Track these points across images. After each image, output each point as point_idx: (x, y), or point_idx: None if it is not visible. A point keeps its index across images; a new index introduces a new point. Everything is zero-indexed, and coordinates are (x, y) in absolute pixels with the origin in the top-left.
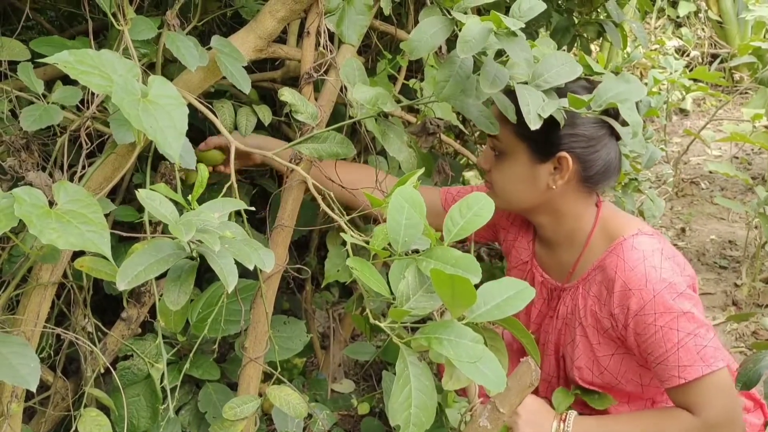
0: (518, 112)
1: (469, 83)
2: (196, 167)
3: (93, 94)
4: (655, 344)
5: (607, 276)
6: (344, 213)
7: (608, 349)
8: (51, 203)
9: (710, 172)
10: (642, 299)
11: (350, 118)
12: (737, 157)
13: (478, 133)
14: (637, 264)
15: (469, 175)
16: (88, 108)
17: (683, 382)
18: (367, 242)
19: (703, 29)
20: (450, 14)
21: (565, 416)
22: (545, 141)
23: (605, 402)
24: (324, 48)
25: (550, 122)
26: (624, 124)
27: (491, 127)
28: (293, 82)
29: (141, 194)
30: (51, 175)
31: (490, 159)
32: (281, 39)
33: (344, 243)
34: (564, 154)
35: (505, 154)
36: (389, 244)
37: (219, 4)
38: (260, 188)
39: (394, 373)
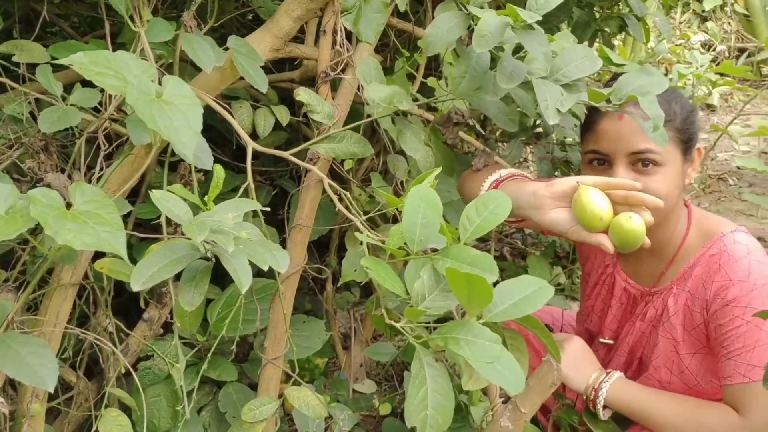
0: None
1: (486, 79)
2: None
3: (111, 96)
4: (735, 338)
5: (709, 269)
6: (361, 212)
7: (691, 347)
8: (69, 204)
9: (738, 168)
10: (741, 290)
11: (368, 117)
12: (766, 152)
13: (499, 131)
14: (742, 256)
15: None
16: (106, 110)
17: (746, 381)
18: (383, 242)
19: (729, 23)
20: (466, 9)
21: (609, 372)
22: (692, 140)
23: None
24: (341, 47)
25: (693, 120)
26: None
27: (510, 123)
28: (312, 82)
29: (155, 195)
30: (70, 176)
31: (631, 177)
32: (299, 39)
33: (362, 242)
34: (699, 146)
35: (661, 164)
36: (405, 244)
37: (236, 4)
38: (280, 189)
39: None
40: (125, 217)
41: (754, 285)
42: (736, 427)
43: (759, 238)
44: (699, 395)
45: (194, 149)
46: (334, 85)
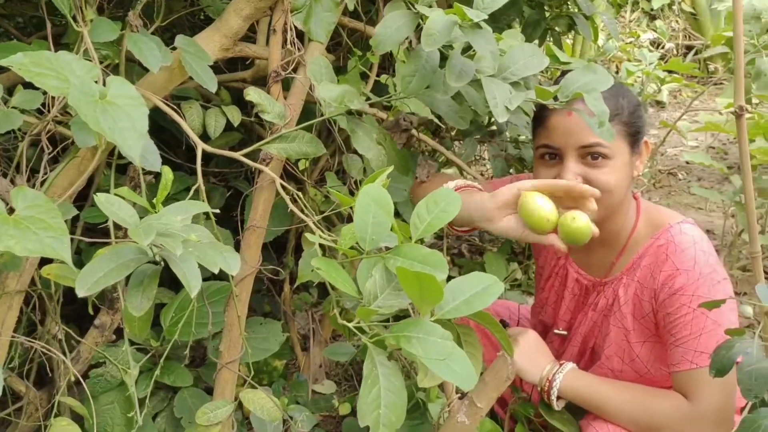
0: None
1: (435, 77)
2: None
3: (55, 97)
4: (682, 325)
5: (657, 259)
6: (315, 212)
7: (641, 336)
8: (11, 210)
9: (687, 163)
10: (687, 278)
11: (321, 116)
12: (713, 147)
13: (455, 130)
14: (687, 246)
15: (449, 172)
16: (49, 112)
17: (693, 368)
18: (336, 242)
19: (677, 21)
20: (415, 8)
21: (563, 364)
22: (639, 133)
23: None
24: (292, 45)
25: (639, 114)
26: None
27: (460, 121)
28: (265, 81)
29: (99, 198)
30: (12, 181)
31: (581, 170)
32: (252, 39)
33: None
34: (646, 138)
35: (610, 157)
36: (357, 243)
37: (185, 3)
38: (235, 190)
39: None
40: (74, 222)
41: (700, 274)
42: (685, 412)
43: (708, 231)
44: (650, 383)
45: (141, 151)
46: (287, 85)
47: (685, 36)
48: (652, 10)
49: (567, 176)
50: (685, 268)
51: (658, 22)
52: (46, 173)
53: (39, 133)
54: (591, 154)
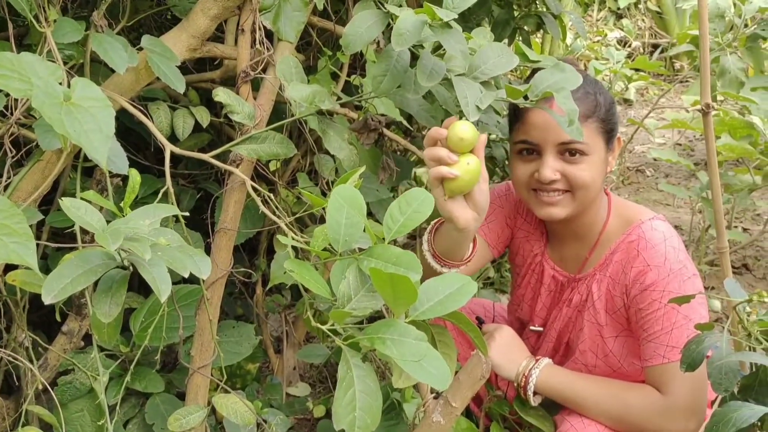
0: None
1: (406, 77)
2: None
3: (18, 99)
4: (654, 321)
5: (628, 255)
6: (287, 214)
7: (614, 331)
8: None
9: (654, 160)
10: (658, 274)
11: (291, 116)
12: (680, 144)
13: (426, 129)
14: (658, 243)
15: (420, 171)
16: (12, 114)
17: (665, 362)
18: (308, 243)
19: (643, 20)
20: (384, 7)
21: (539, 359)
22: (614, 130)
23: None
24: (261, 45)
25: (614, 111)
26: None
27: (432, 121)
28: (234, 82)
29: (65, 202)
30: None
31: (559, 166)
32: (220, 39)
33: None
34: (619, 135)
35: (587, 153)
36: (330, 245)
37: (151, 3)
38: (206, 192)
39: None
40: (39, 227)
41: (670, 270)
42: (658, 405)
43: (676, 227)
44: (623, 378)
45: (107, 153)
46: (257, 85)
47: (652, 34)
48: (618, 9)
49: (546, 172)
50: (655, 264)
51: (625, 21)
52: (9, 177)
53: (2, 136)
54: (569, 151)
